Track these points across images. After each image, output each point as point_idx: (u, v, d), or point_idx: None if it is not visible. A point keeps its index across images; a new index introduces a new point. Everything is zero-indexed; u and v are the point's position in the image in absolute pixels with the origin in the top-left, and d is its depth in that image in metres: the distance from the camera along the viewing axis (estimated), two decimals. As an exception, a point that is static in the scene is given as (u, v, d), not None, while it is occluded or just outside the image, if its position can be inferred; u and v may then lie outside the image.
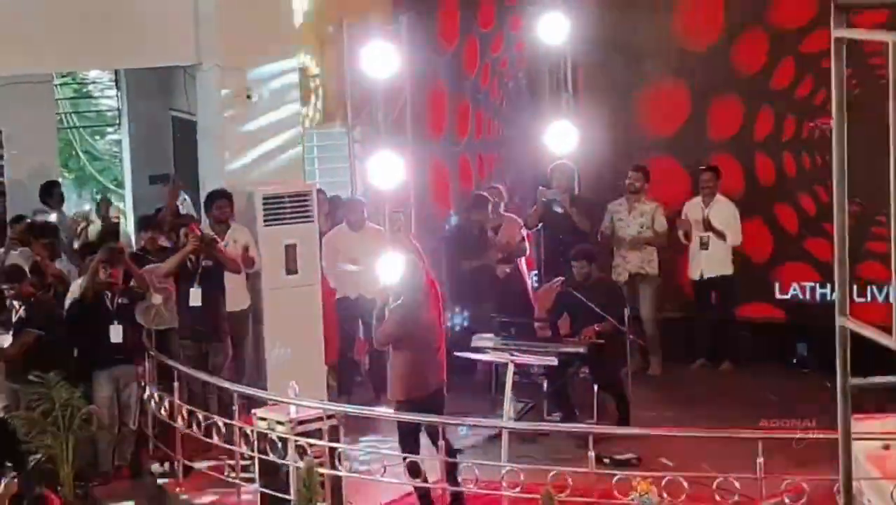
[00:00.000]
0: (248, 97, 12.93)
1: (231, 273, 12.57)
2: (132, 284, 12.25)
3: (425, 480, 10.57)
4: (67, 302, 12.36)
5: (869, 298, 13.76)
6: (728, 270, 14.38)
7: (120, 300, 12.06)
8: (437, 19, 15.00)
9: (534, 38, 15.40)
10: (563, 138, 15.07)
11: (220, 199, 12.80)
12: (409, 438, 10.74)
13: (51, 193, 14.64)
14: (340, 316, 13.68)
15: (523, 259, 14.57)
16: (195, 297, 12.37)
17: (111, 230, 13.36)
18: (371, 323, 11.34)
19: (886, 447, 9.97)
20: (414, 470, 10.56)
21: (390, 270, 11.72)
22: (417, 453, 10.64)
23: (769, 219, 14.66)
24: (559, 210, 14.52)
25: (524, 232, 14.49)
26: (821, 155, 14.01)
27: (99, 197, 15.25)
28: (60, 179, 15.74)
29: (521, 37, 15.61)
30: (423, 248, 13.37)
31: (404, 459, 10.58)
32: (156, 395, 12.04)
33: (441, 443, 10.41)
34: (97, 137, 18.31)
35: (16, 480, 10.26)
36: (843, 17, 4.98)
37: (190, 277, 12.37)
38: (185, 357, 12.37)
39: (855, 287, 13.24)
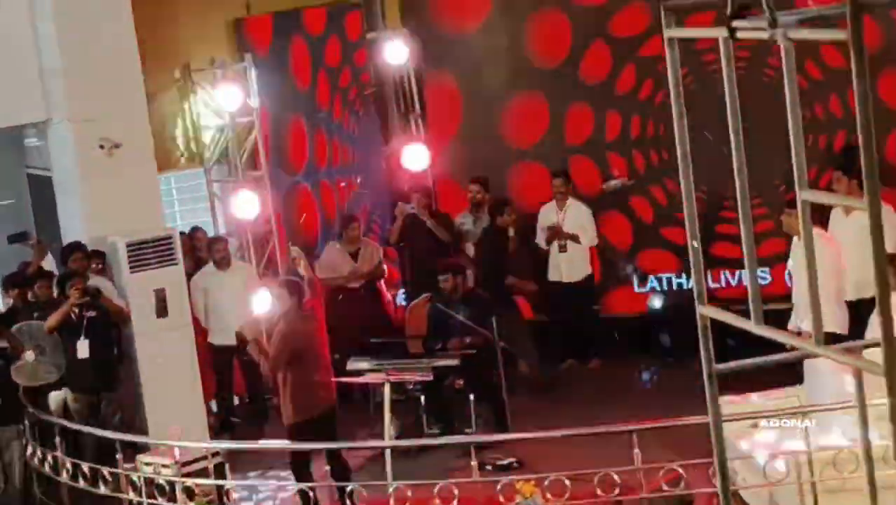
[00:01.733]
0: (101, 147, 12.78)
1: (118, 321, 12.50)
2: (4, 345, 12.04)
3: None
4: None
5: (723, 284, 14.02)
6: (587, 270, 14.55)
7: None
8: (288, 59, 15.03)
9: (378, 66, 15.57)
10: (415, 157, 15.28)
11: (76, 252, 12.64)
12: (301, 464, 10.75)
13: None
14: (216, 355, 13.59)
15: (383, 281, 14.66)
16: (83, 349, 12.24)
17: None
18: (246, 360, 11.28)
19: (755, 426, 10.16)
20: (305, 497, 10.55)
21: (264, 302, 11.75)
22: (310, 479, 10.63)
23: (626, 211, 14.91)
24: (419, 223, 14.66)
25: (381, 254, 14.55)
26: (666, 149, 14.25)
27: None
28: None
29: (366, 67, 15.73)
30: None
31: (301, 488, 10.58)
32: (39, 451, 11.86)
33: (327, 469, 10.43)
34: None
35: None
36: (672, 17, 5.08)
37: (76, 330, 12.23)
38: (76, 410, 12.21)
39: (709, 274, 13.48)
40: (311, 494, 10.61)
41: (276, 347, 10.93)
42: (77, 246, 12.68)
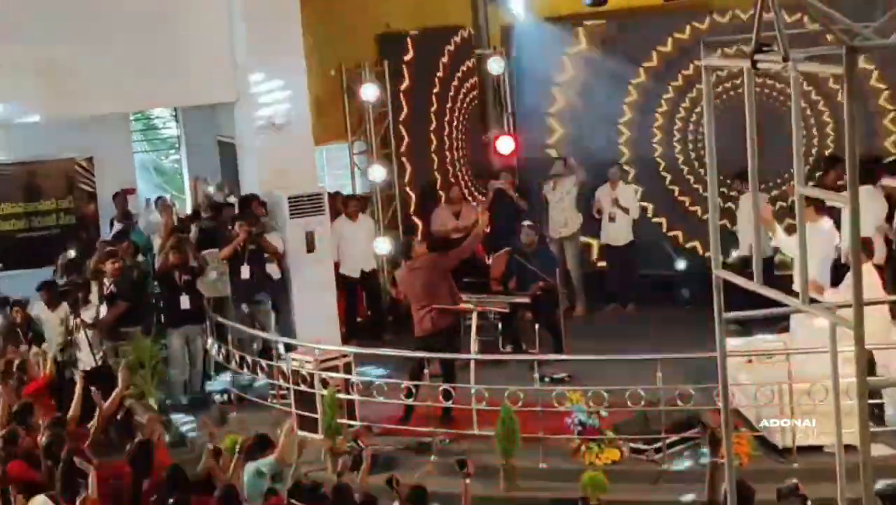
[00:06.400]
0: (273, 124, 12.91)
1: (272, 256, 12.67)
2: (192, 263, 12.22)
3: (415, 399, 10.65)
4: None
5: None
6: (630, 237, 14.43)
7: (185, 277, 12.05)
8: (413, 62, 14.94)
9: (482, 74, 15.50)
10: (505, 145, 15.26)
11: (254, 199, 12.84)
12: (418, 368, 10.81)
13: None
14: (345, 282, 13.68)
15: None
16: (244, 272, 12.45)
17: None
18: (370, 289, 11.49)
19: (749, 361, 10.10)
20: (409, 393, 10.65)
21: (383, 247, 11.82)
22: (421, 379, 10.69)
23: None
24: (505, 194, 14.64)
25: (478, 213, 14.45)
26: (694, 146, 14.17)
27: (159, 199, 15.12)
28: (138, 189, 15.75)
29: (473, 74, 15.60)
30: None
31: (412, 385, 10.65)
32: (216, 345, 12.08)
33: (425, 372, 10.51)
34: (162, 158, 18.28)
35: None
36: (709, 51, 5.03)
37: (240, 258, 12.41)
38: (240, 316, 12.40)
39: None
40: (413, 390, 10.70)
41: (398, 287, 11.28)
42: (255, 196, 12.84)
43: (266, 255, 12.59)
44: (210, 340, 12.17)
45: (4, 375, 10.28)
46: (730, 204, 13.23)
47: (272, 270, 12.72)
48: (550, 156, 14.94)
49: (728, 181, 12.97)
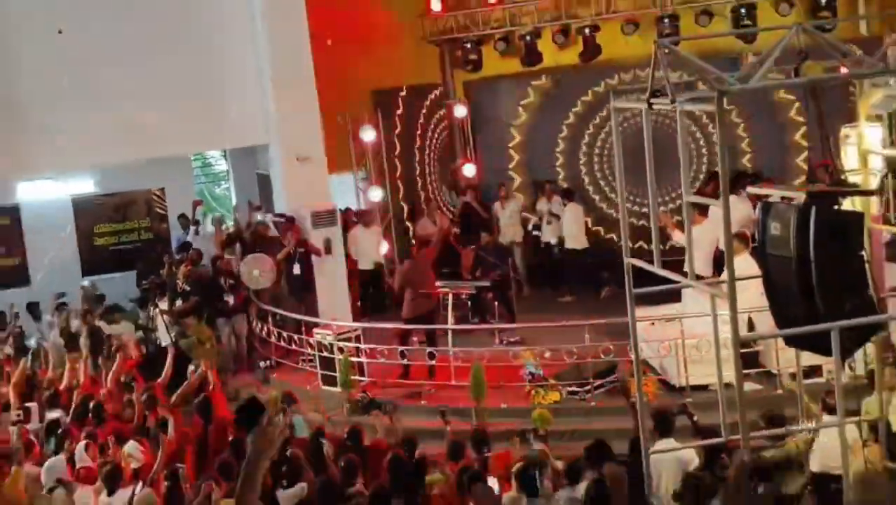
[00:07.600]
0: (298, 159, 12.86)
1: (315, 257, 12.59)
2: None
3: (409, 361, 10.65)
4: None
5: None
6: (561, 234, 14.36)
7: (229, 281, 11.97)
8: (398, 109, 14.96)
9: (451, 117, 15.49)
10: (469, 169, 15.24)
11: (286, 219, 12.78)
12: (406, 338, 10.78)
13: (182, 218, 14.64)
14: (361, 274, 13.59)
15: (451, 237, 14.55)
16: (296, 269, 12.36)
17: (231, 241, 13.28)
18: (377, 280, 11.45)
19: (653, 324, 10.13)
20: (402, 354, 10.62)
21: (384, 247, 11.68)
22: (410, 346, 10.68)
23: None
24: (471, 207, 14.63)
25: (448, 221, 14.43)
26: (609, 168, 14.15)
27: (214, 216, 15.06)
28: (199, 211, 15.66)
29: (443, 115, 15.60)
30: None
31: (406, 350, 10.61)
32: (258, 324, 12.00)
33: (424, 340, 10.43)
34: (216, 187, 18.16)
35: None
36: (618, 96, 5.07)
37: (293, 259, 12.33)
38: (290, 304, 12.29)
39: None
40: (406, 352, 10.68)
41: (397, 279, 11.16)
42: (293, 218, 12.73)
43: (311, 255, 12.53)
44: (255, 322, 12.11)
45: (109, 354, 10.35)
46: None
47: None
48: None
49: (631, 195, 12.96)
